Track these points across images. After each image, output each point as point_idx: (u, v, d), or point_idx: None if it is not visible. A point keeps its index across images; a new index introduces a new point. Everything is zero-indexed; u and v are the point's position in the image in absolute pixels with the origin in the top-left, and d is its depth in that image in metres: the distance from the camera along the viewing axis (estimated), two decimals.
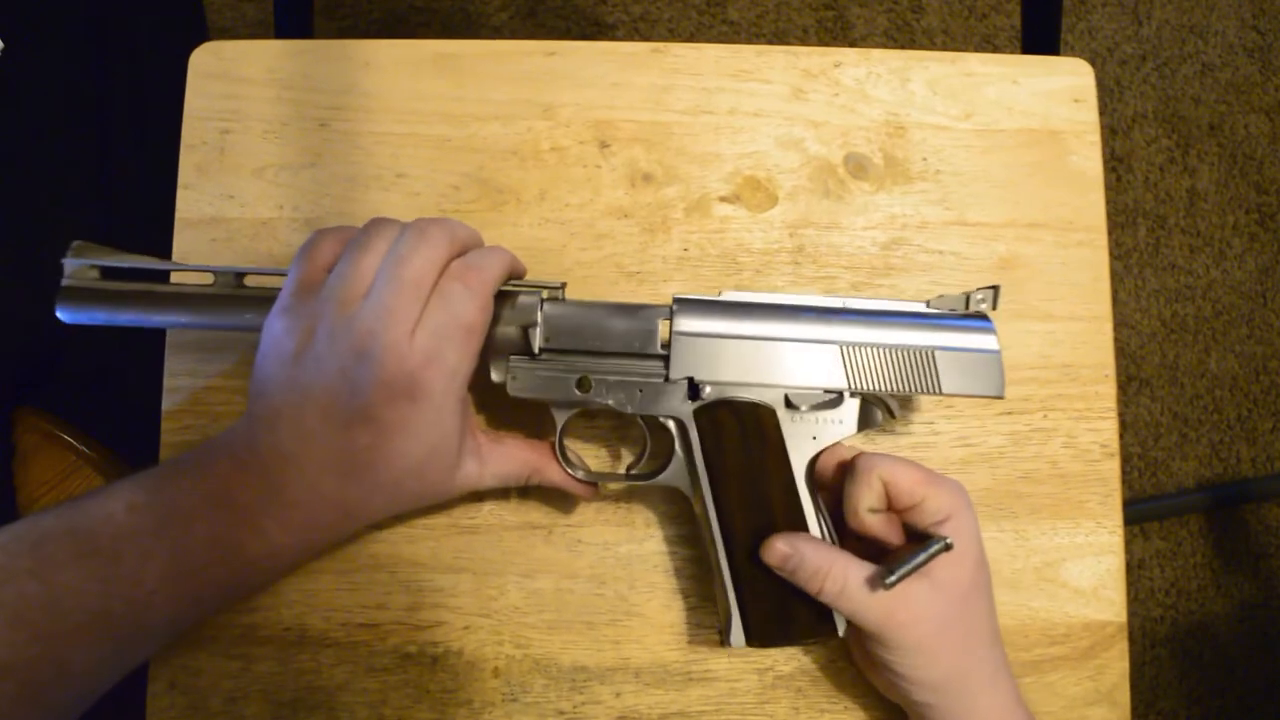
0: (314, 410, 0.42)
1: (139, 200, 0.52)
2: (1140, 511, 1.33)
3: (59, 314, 0.47)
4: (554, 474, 0.49)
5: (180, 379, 0.53)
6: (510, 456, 0.48)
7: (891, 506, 0.46)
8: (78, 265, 0.47)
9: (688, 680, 0.51)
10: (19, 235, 0.82)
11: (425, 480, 0.45)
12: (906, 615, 0.43)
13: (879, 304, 0.48)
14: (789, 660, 0.52)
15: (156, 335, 0.53)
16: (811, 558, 0.44)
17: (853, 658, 0.50)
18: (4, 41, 0.81)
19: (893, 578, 0.42)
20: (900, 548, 0.46)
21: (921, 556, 0.43)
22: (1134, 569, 1.33)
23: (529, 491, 0.52)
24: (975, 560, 0.45)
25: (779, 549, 0.45)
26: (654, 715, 0.51)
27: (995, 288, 0.47)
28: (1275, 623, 1.32)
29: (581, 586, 0.52)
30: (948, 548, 0.43)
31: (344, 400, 0.42)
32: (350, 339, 0.42)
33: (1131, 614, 1.29)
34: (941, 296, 0.48)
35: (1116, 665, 0.52)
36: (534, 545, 0.52)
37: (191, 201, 0.55)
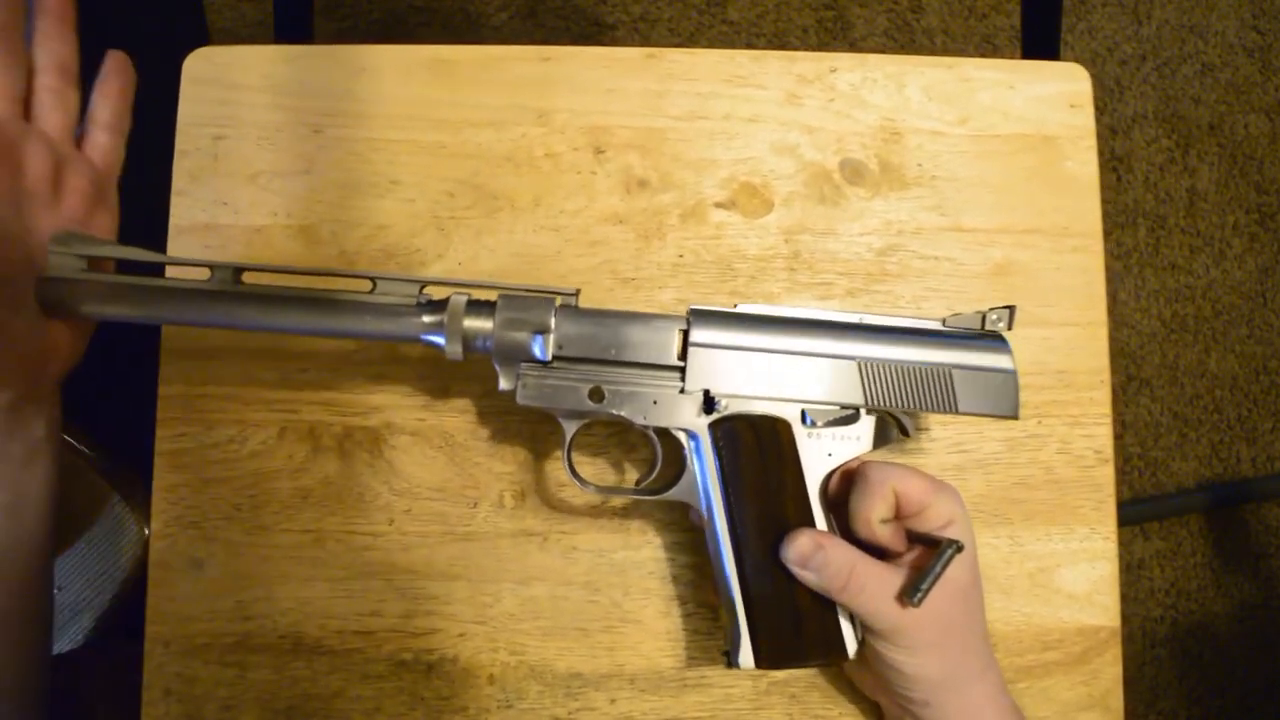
0: None
1: (132, 205, 0.52)
2: (1140, 511, 1.33)
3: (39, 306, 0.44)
4: None
5: (174, 386, 0.53)
6: None
7: (898, 515, 0.46)
8: (62, 255, 0.45)
9: (683, 686, 0.51)
10: None
11: None
12: (921, 615, 0.43)
13: (895, 321, 0.48)
14: None
15: (156, 334, 0.53)
16: (835, 557, 0.44)
17: (842, 664, 0.50)
18: None
19: (920, 594, 0.43)
20: (914, 555, 0.46)
21: (939, 566, 0.43)
22: (1134, 569, 1.33)
23: (524, 498, 0.52)
24: (973, 559, 0.46)
25: (803, 545, 0.44)
26: None
27: (1011, 308, 0.47)
28: (1275, 623, 1.32)
29: (576, 593, 0.52)
30: (959, 550, 0.44)
31: None
32: None
33: (1131, 614, 1.30)
34: (957, 314, 0.47)
35: (1110, 670, 0.52)
36: (529, 552, 0.52)
37: (185, 208, 0.55)
